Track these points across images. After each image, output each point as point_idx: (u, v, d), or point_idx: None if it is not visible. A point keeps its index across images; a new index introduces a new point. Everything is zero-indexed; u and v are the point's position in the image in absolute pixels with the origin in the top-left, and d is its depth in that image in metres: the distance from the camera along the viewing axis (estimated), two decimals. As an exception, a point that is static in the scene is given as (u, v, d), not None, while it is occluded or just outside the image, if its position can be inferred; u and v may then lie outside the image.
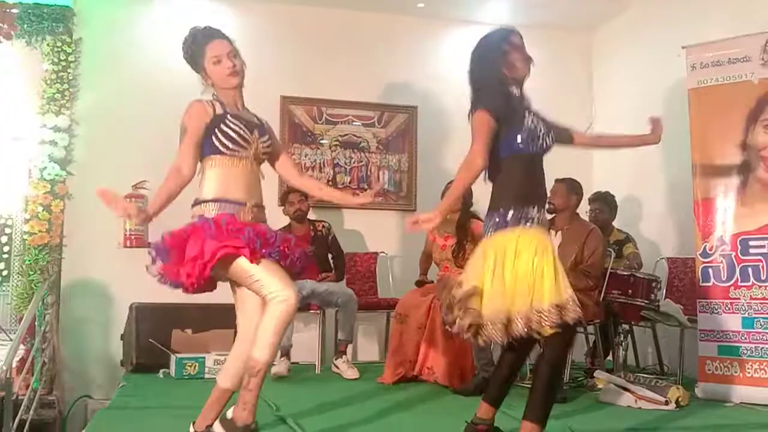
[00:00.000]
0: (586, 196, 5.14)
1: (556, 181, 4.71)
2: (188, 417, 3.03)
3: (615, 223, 5.37)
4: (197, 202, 2.86)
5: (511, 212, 2.74)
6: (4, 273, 7.44)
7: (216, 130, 2.82)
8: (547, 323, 2.60)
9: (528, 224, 2.73)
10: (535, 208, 2.77)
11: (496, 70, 2.82)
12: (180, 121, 2.89)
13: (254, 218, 2.85)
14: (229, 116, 2.87)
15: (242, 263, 2.70)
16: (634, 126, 5.97)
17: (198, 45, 2.90)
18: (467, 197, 4.58)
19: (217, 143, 2.82)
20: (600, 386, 4.22)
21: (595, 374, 4.39)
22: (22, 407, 4.36)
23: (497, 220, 2.77)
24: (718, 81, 4.43)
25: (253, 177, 2.89)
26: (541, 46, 6.30)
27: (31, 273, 5.33)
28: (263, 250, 2.72)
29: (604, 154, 6.57)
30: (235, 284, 2.89)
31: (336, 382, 4.70)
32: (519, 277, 2.66)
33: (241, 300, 2.92)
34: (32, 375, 4.84)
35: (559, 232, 4.67)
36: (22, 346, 4.83)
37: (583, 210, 5.10)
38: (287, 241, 2.87)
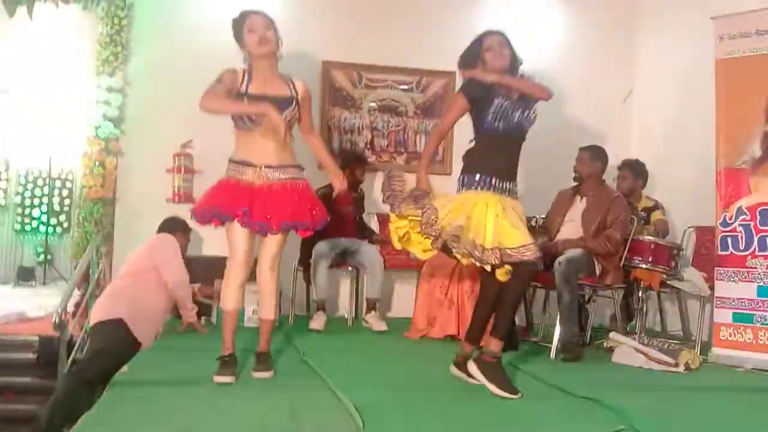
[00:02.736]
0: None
1: (581, 149, 4.82)
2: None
3: (647, 191, 5.44)
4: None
5: (477, 176, 3.41)
6: (65, 225, 7.95)
7: None
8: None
9: (486, 189, 3.38)
10: (496, 178, 3.40)
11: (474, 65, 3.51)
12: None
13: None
14: (246, 98, 3.34)
15: None
16: (675, 91, 6.06)
17: (240, 20, 3.42)
18: None
19: (236, 118, 3.38)
20: (613, 347, 4.38)
21: (609, 335, 4.55)
22: (75, 347, 4.76)
23: (466, 180, 3.45)
24: (745, 53, 4.45)
25: (271, 143, 3.36)
26: (583, 13, 6.42)
27: (86, 225, 5.70)
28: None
29: (641, 122, 6.61)
30: None
31: (364, 335, 4.98)
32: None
33: None
34: (86, 318, 5.23)
35: (584, 198, 4.80)
36: (77, 292, 5.25)
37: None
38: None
